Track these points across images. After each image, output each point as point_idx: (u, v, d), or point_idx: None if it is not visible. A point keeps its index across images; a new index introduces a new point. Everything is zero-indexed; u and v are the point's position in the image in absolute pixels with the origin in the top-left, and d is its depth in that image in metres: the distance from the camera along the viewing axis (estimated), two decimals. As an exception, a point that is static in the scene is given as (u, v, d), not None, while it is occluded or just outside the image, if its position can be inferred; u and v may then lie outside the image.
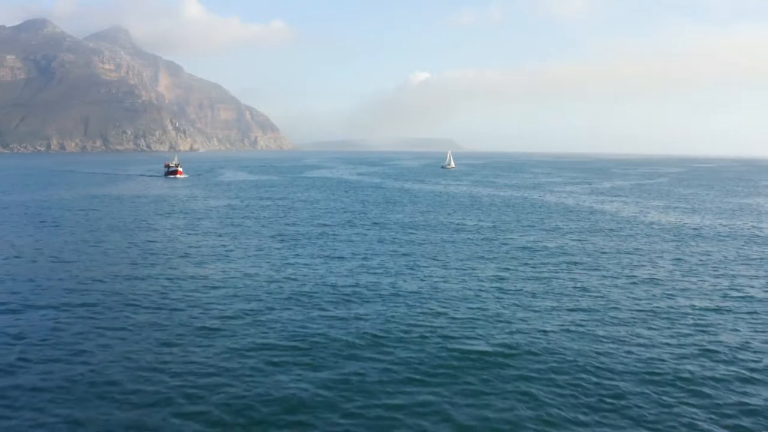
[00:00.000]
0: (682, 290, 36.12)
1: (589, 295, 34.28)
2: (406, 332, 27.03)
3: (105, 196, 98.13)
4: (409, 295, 33.49)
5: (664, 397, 20.88)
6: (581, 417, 19.37)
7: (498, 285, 36.44)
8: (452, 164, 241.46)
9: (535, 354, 24.67)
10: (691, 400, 20.73)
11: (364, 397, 20.59)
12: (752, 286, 37.51)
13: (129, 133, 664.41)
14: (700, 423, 19.16)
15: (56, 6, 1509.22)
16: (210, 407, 19.80)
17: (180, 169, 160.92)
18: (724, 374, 23.02)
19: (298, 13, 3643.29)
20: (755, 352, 25.56)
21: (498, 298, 33.35)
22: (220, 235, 56.42)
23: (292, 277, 38.50)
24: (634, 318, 30.04)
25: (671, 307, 32.05)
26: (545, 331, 27.48)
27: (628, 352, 25.15)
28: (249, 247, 50.23)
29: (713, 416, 19.64)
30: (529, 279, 38.27)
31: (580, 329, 27.95)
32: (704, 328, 28.60)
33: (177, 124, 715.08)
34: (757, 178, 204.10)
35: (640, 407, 20.12)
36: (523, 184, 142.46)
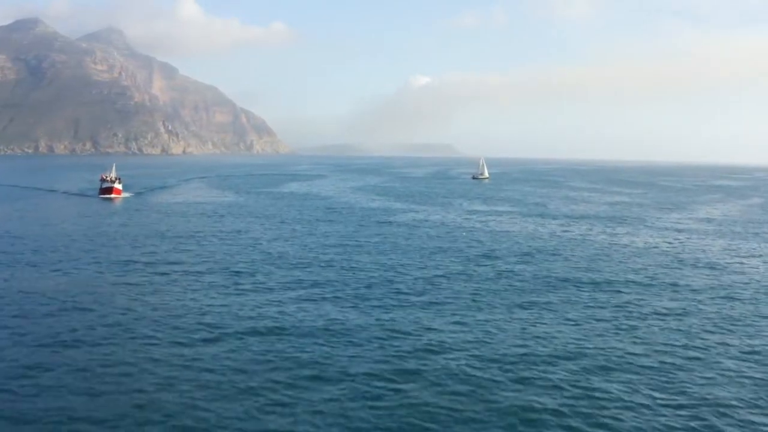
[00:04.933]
0: None
1: None
2: None
3: None
4: None
5: None
6: None
7: None
8: (486, 173, 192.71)
9: None
10: None
11: None
12: None
13: (120, 135, 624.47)
14: None
15: (50, 6, 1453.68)
16: None
17: (118, 185, 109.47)
18: None
19: (299, 16, 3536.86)
20: None
21: None
22: None
23: None
24: None
25: None
26: None
27: None
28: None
29: None
30: None
31: None
32: None
33: (170, 127, 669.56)
34: None
35: None
36: (591, 213, 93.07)
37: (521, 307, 34.01)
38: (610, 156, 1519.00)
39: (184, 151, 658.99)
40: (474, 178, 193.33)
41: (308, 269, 42.96)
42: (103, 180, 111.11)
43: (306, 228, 65.79)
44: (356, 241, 56.87)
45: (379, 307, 33.46)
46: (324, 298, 34.99)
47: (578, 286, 39.44)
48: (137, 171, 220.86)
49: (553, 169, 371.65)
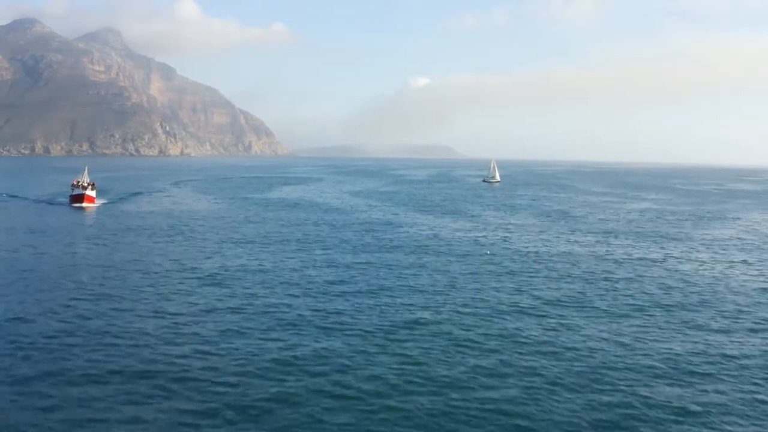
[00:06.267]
0: None
1: None
2: None
3: None
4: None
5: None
6: None
7: None
8: (497, 177, 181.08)
9: None
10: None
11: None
12: None
13: (117, 136, 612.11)
14: None
15: (47, 6, 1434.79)
16: None
17: (90, 192, 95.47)
18: None
19: (299, 16, 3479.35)
20: None
21: None
22: None
23: None
24: None
25: None
26: None
27: None
28: None
29: None
30: None
31: None
32: None
33: (167, 128, 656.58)
34: None
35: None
36: (628, 228, 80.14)
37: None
38: (610, 158, 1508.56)
39: (181, 153, 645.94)
40: (484, 181, 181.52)
41: (283, 332, 29.53)
42: (74, 186, 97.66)
43: (291, 252, 52.41)
44: (352, 273, 43.54)
45: None
46: (297, 405, 21.75)
47: (718, 375, 26.17)
48: (127, 173, 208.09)
49: (558, 171, 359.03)
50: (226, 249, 52.83)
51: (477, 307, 34.24)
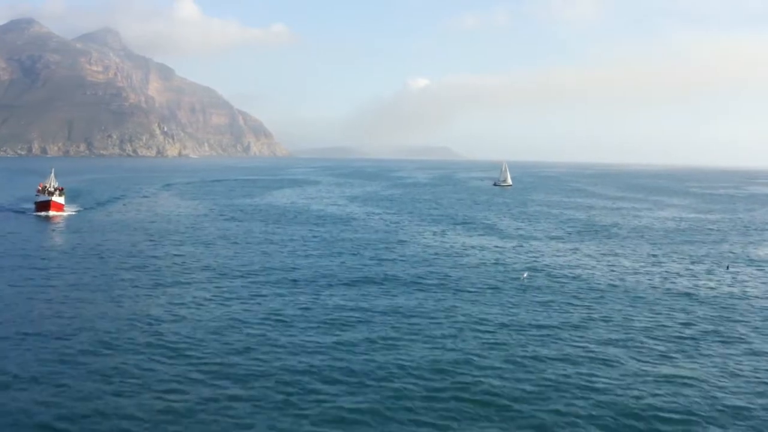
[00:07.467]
0: None
1: None
2: None
3: None
4: None
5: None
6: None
7: None
8: (509, 180, 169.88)
9: None
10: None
11: None
12: None
13: (115, 137, 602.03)
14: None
15: (45, 6, 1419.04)
16: None
17: (57, 199, 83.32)
18: None
19: (300, 17, 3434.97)
20: None
21: None
22: None
23: None
24: None
25: None
26: None
27: None
28: None
29: None
30: None
31: None
32: None
33: (165, 129, 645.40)
34: None
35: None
36: (673, 245, 68.37)
37: None
38: (609, 158, 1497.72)
39: (179, 153, 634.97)
40: (495, 184, 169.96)
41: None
42: (39, 191, 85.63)
43: (269, 285, 40.40)
44: (346, 322, 31.70)
45: None
46: None
47: None
48: (118, 175, 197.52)
49: (562, 174, 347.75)
50: (187, 281, 40.95)
51: (538, 392, 22.48)
